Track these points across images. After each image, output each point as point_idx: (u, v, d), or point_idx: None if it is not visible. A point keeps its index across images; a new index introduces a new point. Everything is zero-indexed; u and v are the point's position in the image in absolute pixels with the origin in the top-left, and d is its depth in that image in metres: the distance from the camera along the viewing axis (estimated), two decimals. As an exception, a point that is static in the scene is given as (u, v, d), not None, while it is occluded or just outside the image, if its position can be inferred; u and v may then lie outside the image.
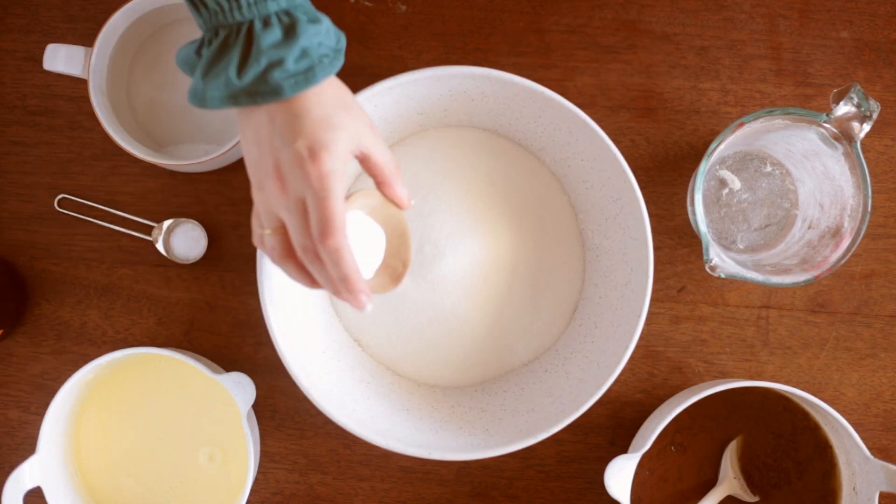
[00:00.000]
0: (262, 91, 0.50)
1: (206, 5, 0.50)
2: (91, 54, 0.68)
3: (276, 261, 0.55)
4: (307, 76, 0.50)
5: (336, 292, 0.54)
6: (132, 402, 0.73)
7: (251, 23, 0.50)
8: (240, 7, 0.50)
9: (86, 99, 0.70)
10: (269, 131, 0.51)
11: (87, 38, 0.75)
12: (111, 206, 0.75)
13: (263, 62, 0.50)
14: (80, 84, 0.75)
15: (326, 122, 0.51)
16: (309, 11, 0.52)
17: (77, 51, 0.69)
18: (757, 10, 0.75)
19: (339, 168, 0.50)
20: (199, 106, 0.52)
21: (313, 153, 0.50)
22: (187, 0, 0.52)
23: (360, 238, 0.58)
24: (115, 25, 0.69)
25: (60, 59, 0.69)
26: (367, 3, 0.75)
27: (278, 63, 0.50)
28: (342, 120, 0.51)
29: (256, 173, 0.53)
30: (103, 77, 0.70)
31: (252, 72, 0.50)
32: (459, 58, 0.75)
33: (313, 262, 0.53)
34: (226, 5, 0.50)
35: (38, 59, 0.74)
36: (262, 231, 0.55)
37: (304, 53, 0.50)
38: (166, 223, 0.75)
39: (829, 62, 0.75)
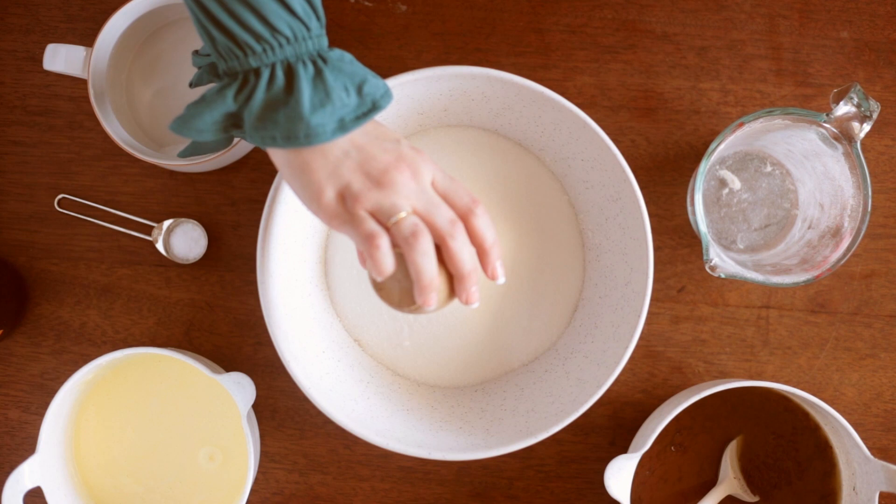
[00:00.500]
0: (365, 111, 0.51)
1: (277, 31, 0.48)
2: (91, 54, 0.68)
3: (412, 243, 0.51)
4: (386, 91, 0.52)
5: (468, 275, 0.53)
6: (132, 402, 0.73)
7: (319, 52, 0.51)
8: (310, 36, 0.50)
9: (86, 99, 0.70)
10: (366, 137, 0.52)
11: (87, 38, 0.75)
12: (111, 206, 0.75)
13: (354, 84, 0.50)
14: (80, 84, 0.75)
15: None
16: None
17: (77, 51, 0.69)
18: (757, 10, 0.75)
19: None
20: (308, 143, 0.49)
21: (416, 148, 0.53)
22: (244, 39, 0.48)
23: None
24: (115, 25, 0.69)
25: (60, 59, 0.69)
26: (367, 3, 0.75)
27: (364, 82, 0.51)
28: None
29: (372, 172, 0.51)
30: (103, 77, 0.70)
31: (353, 93, 0.50)
32: (459, 58, 0.75)
33: (460, 234, 0.52)
34: (299, 32, 0.49)
35: (38, 59, 0.74)
36: (377, 229, 0.51)
37: (373, 73, 0.52)
38: (166, 223, 0.75)
39: (829, 62, 0.75)
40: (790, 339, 0.75)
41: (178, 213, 0.76)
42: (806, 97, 0.75)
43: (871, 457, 0.66)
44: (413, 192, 0.52)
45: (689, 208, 0.70)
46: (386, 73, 0.73)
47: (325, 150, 0.51)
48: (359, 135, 0.51)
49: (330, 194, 0.51)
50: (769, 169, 0.75)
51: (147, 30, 0.73)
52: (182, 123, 0.51)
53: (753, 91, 0.75)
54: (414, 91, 0.66)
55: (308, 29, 0.50)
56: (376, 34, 0.75)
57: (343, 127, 0.50)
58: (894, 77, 0.75)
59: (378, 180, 0.51)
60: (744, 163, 0.75)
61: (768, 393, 0.71)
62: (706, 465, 0.73)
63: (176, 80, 0.74)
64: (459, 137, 0.73)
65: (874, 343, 0.75)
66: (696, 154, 0.75)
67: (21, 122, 0.76)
